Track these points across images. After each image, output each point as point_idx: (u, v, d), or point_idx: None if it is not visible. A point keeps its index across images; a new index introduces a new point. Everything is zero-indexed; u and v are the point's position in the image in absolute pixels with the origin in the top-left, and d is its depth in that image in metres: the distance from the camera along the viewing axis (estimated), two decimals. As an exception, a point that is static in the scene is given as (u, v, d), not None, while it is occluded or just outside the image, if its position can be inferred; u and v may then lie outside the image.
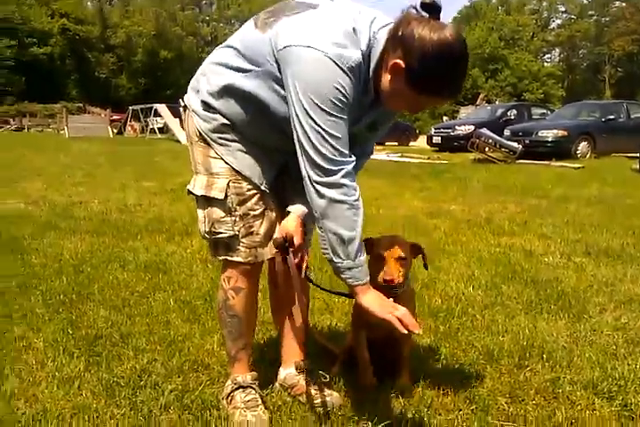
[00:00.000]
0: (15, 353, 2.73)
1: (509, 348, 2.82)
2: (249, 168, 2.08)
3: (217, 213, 2.12)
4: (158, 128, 29.90)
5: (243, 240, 2.12)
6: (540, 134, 15.99)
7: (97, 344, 2.85)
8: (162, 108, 27.43)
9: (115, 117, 35.25)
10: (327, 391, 2.32)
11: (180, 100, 2.20)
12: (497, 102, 37.66)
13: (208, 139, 2.08)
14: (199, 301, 3.51)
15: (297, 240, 2.13)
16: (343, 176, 1.88)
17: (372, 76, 1.90)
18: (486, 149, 15.21)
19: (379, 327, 2.15)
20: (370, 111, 2.05)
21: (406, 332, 1.88)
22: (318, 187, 1.88)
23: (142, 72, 63.15)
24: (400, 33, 1.80)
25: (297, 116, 1.85)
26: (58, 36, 57.94)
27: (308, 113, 1.82)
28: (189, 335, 2.98)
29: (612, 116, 16.71)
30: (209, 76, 2.08)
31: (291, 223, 2.14)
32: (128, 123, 33.04)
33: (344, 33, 1.82)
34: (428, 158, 16.60)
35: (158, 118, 29.53)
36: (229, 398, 2.24)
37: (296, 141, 1.89)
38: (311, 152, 1.86)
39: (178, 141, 22.64)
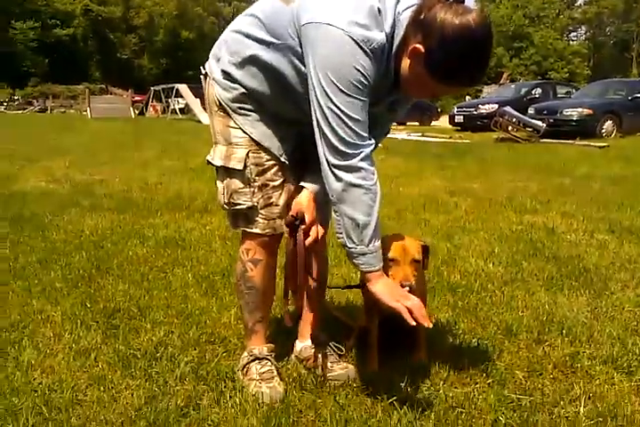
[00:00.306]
0: (33, 326, 2.75)
1: (528, 323, 2.79)
2: (268, 139, 2.06)
3: (236, 183, 2.10)
4: (180, 109, 29.94)
5: (261, 211, 2.10)
6: (564, 113, 15.71)
7: (115, 317, 2.87)
8: (183, 88, 27.45)
9: (137, 98, 35.40)
10: (342, 364, 2.31)
11: (201, 67, 2.16)
12: (521, 81, 37.01)
13: (227, 108, 2.06)
14: (217, 276, 3.51)
15: (308, 218, 2.08)
16: (361, 160, 1.85)
17: (393, 60, 1.85)
18: (509, 127, 15.01)
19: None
20: (390, 94, 2.01)
21: (414, 324, 1.87)
22: (336, 171, 1.86)
23: (164, 52, 63.22)
24: (422, 16, 1.74)
25: (316, 97, 1.82)
26: (80, 18, 58.12)
27: (327, 94, 1.79)
28: (207, 309, 2.99)
29: (638, 95, 16.32)
30: (229, 45, 2.03)
31: (303, 199, 2.10)
32: (150, 103, 33.12)
33: (369, 12, 1.76)
34: (450, 138, 16.44)
35: (180, 99, 29.55)
36: (245, 369, 2.24)
37: (314, 123, 1.86)
38: (329, 135, 1.83)
39: (199, 122, 22.66)
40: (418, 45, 1.75)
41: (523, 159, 10.26)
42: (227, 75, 2.03)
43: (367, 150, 1.87)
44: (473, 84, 1.86)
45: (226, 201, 2.14)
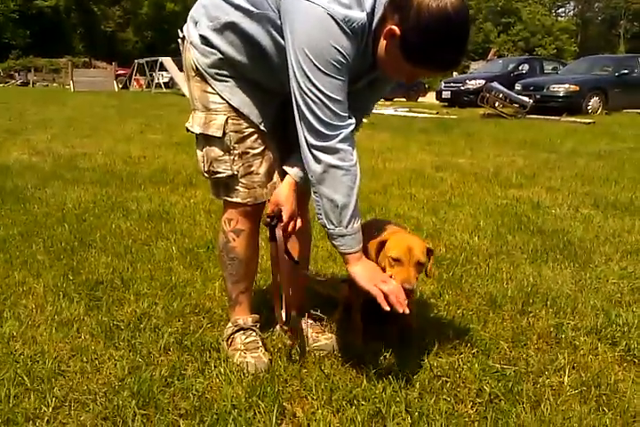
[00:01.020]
0: (14, 297, 2.72)
1: (513, 295, 2.80)
2: (247, 106, 2.01)
3: (215, 151, 2.06)
4: (164, 82, 29.59)
5: (242, 180, 2.07)
6: (551, 89, 15.70)
7: (97, 289, 2.84)
8: (167, 61, 27.02)
9: (120, 72, 34.88)
10: (327, 334, 2.31)
11: (179, 30, 2.10)
12: (509, 57, 36.88)
13: (205, 74, 2.01)
14: (202, 249, 3.48)
15: (287, 211, 2.04)
16: (341, 141, 1.82)
17: (371, 39, 1.81)
18: (496, 103, 14.99)
19: None
20: (369, 73, 1.98)
21: (388, 309, 1.84)
22: (315, 152, 1.83)
23: (148, 25, 62.16)
24: None
25: (295, 75, 1.78)
26: (63, -12, 56.92)
27: (305, 73, 1.75)
28: (191, 281, 2.96)
29: (625, 71, 16.32)
30: (208, 9, 1.97)
31: (282, 191, 2.04)
32: (133, 77, 32.68)
33: None
34: (437, 113, 16.39)
35: (164, 73, 29.16)
36: (230, 340, 2.23)
37: (294, 103, 1.82)
38: (308, 115, 1.79)
39: (184, 95, 22.38)
40: (394, 27, 1.71)
41: (509, 135, 10.25)
42: (205, 39, 1.98)
43: (346, 131, 1.84)
44: (449, 69, 1.82)
45: (206, 169, 2.10)
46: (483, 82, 17.70)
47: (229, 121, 2.02)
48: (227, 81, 2.00)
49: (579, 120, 13.18)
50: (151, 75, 30.64)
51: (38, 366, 2.08)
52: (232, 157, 2.05)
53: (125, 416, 1.79)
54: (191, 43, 2.02)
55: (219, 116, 2.02)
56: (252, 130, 2.03)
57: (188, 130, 2.12)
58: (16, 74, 41.20)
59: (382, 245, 2.06)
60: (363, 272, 1.94)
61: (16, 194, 4.86)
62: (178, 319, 2.51)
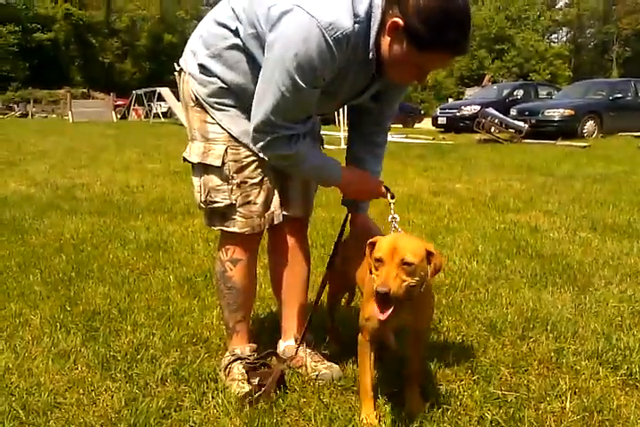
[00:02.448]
0: (11, 329, 2.70)
1: (513, 320, 2.78)
2: (247, 135, 2.00)
3: (214, 180, 2.06)
4: (162, 112, 29.78)
5: (239, 210, 2.07)
6: (546, 114, 15.81)
7: (95, 320, 2.82)
8: (165, 91, 27.24)
9: (119, 102, 35.14)
10: (326, 363, 2.28)
11: (175, 64, 2.13)
12: (503, 82, 37.25)
13: (204, 104, 2.02)
14: (200, 277, 3.47)
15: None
16: (301, 134, 1.90)
17: (374, 44, 1.80)
18: (492, 128, 15.09)
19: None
20: (373, 84, 1.98)
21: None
22: (255, 134, 1.89)
23: (146, 56, 62.73)
24: None
25: (265, 71, 1.79)
26: (62, 22, 57.56)
27: (274, 74, 1.75)
28: (189, 310, 2.95)
29: (619, 95, 16.46)
30: (205, 38, 2.00)
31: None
32: (132, 107, 32.91)
33: None
34: (434, 139, 16.48)
35: (162, 103, 29.37)
36: (227, 370, 2.21)
37: (256, 93, 1.84)
38: (263, 106, 1.82)
39: (182, 125, 22.52)
40: (396, 19, 1.71)
41: (505, 159, 10.29)
42: (203, 68, 2.00)
43: (295, 131, 1.88)
44: (458, 51, 1.78)
45: (203, 199, 2.10)
46: (478, 108, 17.85)
47: (229, 150, 2.03)
48: (227, 110, 2.02)
49: (574, 144, 13.25)
50: (149, 105, 30.85)
51: (34, 399, 2.06)
52: (230, 187, 2.05)
53: (122, 449, 1.76)
54: (190, 74, 2.04)
55: (218, 145, 2.03)
56: (251, 159, 2.04)
57: (185, 159, 2.13)
58: (15, 105, 41.41)
59: (373, 246, 1.83)
60: (353, 184, 2.13)
61: (14, 225, 4.86)
62: (175, 349, 2.49)
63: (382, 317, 1.70)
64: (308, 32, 1.67)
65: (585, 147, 12.68)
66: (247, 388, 2.10)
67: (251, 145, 1.96)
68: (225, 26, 1.93)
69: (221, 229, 2.15)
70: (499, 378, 2.22)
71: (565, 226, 4.90)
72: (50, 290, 3.24)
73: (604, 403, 2.03)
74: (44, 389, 2.13)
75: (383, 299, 1.69)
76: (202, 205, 2.12)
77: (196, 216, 5.20)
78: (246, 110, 1.99)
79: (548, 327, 2.71)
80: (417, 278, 1.72)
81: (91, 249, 4.15)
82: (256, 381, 2.08)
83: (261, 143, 1.88)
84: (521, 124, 14.89)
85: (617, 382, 2.21)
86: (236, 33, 1.91)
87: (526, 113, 16.24)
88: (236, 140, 2.03)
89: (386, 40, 1.79)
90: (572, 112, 15.58)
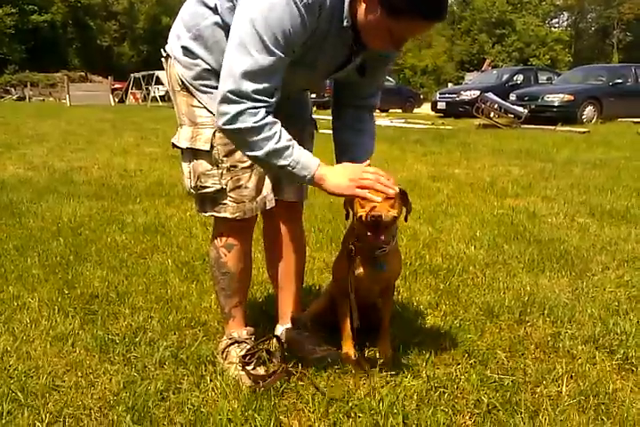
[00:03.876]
0: (9, 312, 2.70)
1: (510, 304, 2.79)
2: None
3: (203, 165, 2.04)
4: (160, 96, 29.57)
5: (230, 194, 2.05)
6: (545, 99, 15.77)
7: (93, 303, 2.83)
8: (163, 75, 27.02)
9: (116, 86, 34.94)
10: (324, 347, 2.29)
11: (162, 50, 2.10)
12: (503, 67, 37.09)
13: (190, 87, 2.00)
14: (198, 261, 3.47)
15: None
16: (245, 109, 1.73)
17: (348, 11, 1.76)
18: (491, 114, 15.03)
19: (361, 298, 2.14)
20: (355, 55, 1.95)
21: (393, 191, 1.84)
22: (223, 104, 1.75)
23: (144, 39, 62.32)
24: None
25: (234, 34, 1.73)
26: (59, 4, 57.03)
27: (244, 37, 1.69)
28: (187, 294, 2.95)
29: (619, 80, 16.39)
30: (186, 20, 2.00)
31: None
32: (130, 91, 32.75)
33: None
34: (433, 124, 16.43)
35: (160, 86, 29.18)
36: (225, 353, 2.21)
37: (225, 58, 1.75)
38: (235, 73, 1.71)
39: (180, 109, 22.41)
40: None
41: (504, 145, 10.27)
42: (187, 50, 1.98)
43: (252, 104, 1.74)
44: (433, 18, 1.74)
45: (193, 185, 2.07)
46: (477, 92, 17.75)
47: (217, 134, 1.99)
48: (212, 93, 1.96)
49: (574, 129, 13.22)
50: (147, 88, 30.68)
51: (32, 382, 2.06)
52: (220, 171, 2.03)
53: (120, 431, 1.77)
54: (175, 58, 2.02)
55: (206, 129, 2.01)
56: None
57: (174, 145, 2.11)
58: (12, 89, 41.23)
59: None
60: (335, 179, 1.83)
61: (11, 208, 4.85)
62: (173, 333, 2.49)
63: (377, 239, 1.95)
64: (279, 1, 1.65)
65: (584, 132, 12.65)
66: (262, 371, 2.11)
67: (219, 122, 1.81)
68: (204, 3, 1.92)
69: (213, 215, 2.12)
70: (495, 362, 2.23)
71: (564, 211, 4.90)
72: (48, 273, 3.24)
73: (599, 387, 2.04)
74: (42, 371, 2.13)
75: (375, 224, 1.92)
76: (192, 190, 2.10)
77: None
78: None
79: (545, 312, 2.72)
80: (396, 211, 1.96)
81: (88, 233, 4.15)
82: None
83: (227, 116, 1.74)
84: (520, 109, 14.83)
85: (613, 366, 2.22)
86: (214, 10, 1.89)
87: (526, 98, 16.18)
88: None
89: (361, 7, 1.76)
90: (572, 97, 15.53)
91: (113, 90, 32.94)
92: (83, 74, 47.61)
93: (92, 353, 2.30)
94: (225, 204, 2.06)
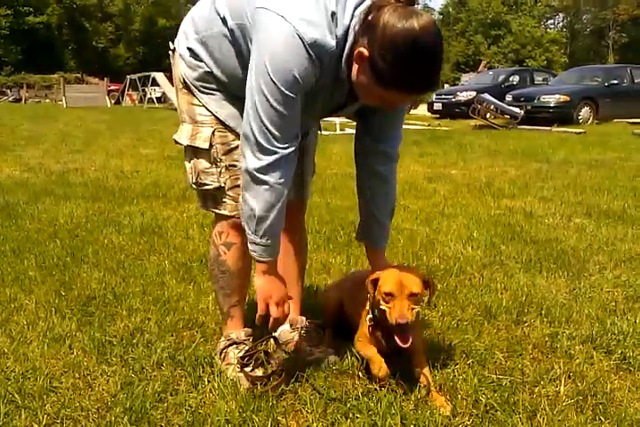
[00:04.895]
0: (6, 314, 2.69)
1: (507, 305, 2.79)
2: (234, 119, 2.00)
3: (202, 163, 2.06)
4: (156, 97, 29.62)
5: (229, 193, 2.06)
6: (541, 100, 15.77)
7: (90, 305, 2.82)
8: (160, 76, 27.08)
9: (112, 87, 34.92)
10: (322, 348, 2.29)
11: (170, 42, 2.11)
12: (499, 68, 37.13)
13: (192, 87, 2.02)
14: (195, 263, 3.47)
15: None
16: (277, 159, 1.80)
17: (345, 65, 1.77)
18: (487, 114, 15.07)
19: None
20: (351, 101, 1.96)
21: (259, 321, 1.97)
22: (250, 155, 1.81)
23: (140, 41, 62.33)
24: (370, 17, 1.67)
25: (252, 86, 1.75)
26: (54, 5, 56.99)
27: (260, 87, 1.72)
28: (184, 295, 2.95)
29: (615, 81, 16.42)
30: (196, 22, 1.99)
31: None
32: (126, 92, 32.73)
33: (325, 15, 1.68)
34: (429, 125, 16.44)
35: (157, 88, 29.21)
36: (222, 354, 2.21)
37: (245, 108, 1.80)
38: (254, 125, 1.77)
39: (176, 110, 22.40)
40: (362, 49, 1.68)
41: (501, 146, 10.29)
42: (192, 52, 1.99)
43: (284, 152, 1.80)
44: (420, 92, 1.76)
45: (193, 181, 2.11)
46: (474, 93, 17.78)
47: (216, 133, 2.02)
48: (213, 94, 2.01)
49: (570, 130, 13.25)
50: (143, 90, 30.69)
51: (29, 383, 2.06)
52: (219, 170, 2.05)
53: (118, 433, 1.77)
54: (180, 55, 2.03)
55: (205, 128, 2.03)
56: (239, 142, 2.02)
57: (176, 142, 2.13)
58: (8, 90, 41.13)
59: (376, 282, 2.02)
60: (262, 285, 1.96)
61: (7, 210, 4.84)
62: (171, 334, 2.49)
63: (406, 344, 1.95)
64: (294, 48, 1.66)
65: (580, 133, 12.68)
66: (260, 372, 2.10)
67: (240, 153, 1.87)
68: (216, 10, 1.90)
69: (214, 212, 2.15)
70: (493, 362, 2.23)
71: (560, 212, 4.91)
72: (44, 275, 3.23)
73: (597, 387, 2.05)
74: (39, 373, 2.12)
75: (403, 328, 1.93)
76: (193, 186, 2.14)
77: (191, 201, 5.19)
78: (233, 96, 1.99)
79: (543, 312, 2.72)
80: (421, 304, 2.03)
81: (85, 234, 4.14)
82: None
83: (265, 162, 1.79)
84: (516, 110, 14.87)
85: (611, 366, 2.22)
86: (224, 21, 1.88)
87: (522, 99, 16.20)
88: (222, 123, 2.02)
89: (355, 66, 1.76)
90: (568, 98, 15.55)
91: (109, 91, 32.90)
92: (79, 75, 47.57)
93: (89, 355, 2.29)
94: (224, 202, 2.08)
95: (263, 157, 1.79)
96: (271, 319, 1.97)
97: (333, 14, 1.69)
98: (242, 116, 1.91)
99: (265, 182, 1.81)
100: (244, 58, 1.88)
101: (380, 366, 1.99)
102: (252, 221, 1.87)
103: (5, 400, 1.94)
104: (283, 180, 1.84)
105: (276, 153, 1.79)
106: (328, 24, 1.69)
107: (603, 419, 1.86)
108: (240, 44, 1.87)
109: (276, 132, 1.77)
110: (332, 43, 1.69)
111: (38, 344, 2.37)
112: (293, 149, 1.84)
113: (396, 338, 1.95)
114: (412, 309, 1.94)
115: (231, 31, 1.87)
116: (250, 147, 1.80)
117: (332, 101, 1.96)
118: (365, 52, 1.67)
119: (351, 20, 1.71)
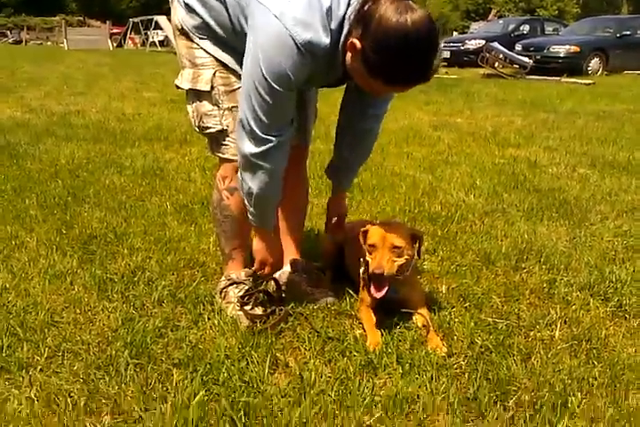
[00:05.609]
0: (7, 251, 2.71)
1: (507, 251, 2.80)
2: (234, 62, 1.98)
3: (205, 106, 2.06)
4: (159, 41, 29.06)
5: (231, 136, 2.05)
6: (551, 50, 15.46)
7: (91, 243, 2.83)
8: (162, 20, 26.46)
9: (115, 30, 34.21)
10: (321, 288, 2.31)
11: None
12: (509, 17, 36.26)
13: (190, 33, 2.00)
14: (196, 205, 3.47)
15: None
16: (271, 147, 1.84)
17: (341, 51, 1.76)
18: (496, 63, 14.78)
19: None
20: (346, 79, 1.95)
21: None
22: (249, 139, 1.84)
23: (143, -17, 60.72)
24: (365, 8, 1.66)
25: (246, 79, 1.78)
26: (55, -57, 55.31)
27: (254, 83, 1.74)
28: (185, 236, 2.96)
29: (627, 32, 16.05)
30: None
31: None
32: (128, 35, 32.12)
33: (319, 12, 1.67)
34: (436, 73, 16.15)
35: (159, 31, 28.65)
36: (223, 293, 2.23)
37: (240, 96, 1.83)
38: (249, 113, 1.80)
39: (180, 55, 22.00)
40: (355, 40, 1.67)
41: (508, 95, 10.13)
42: (187, 6, 1.98)
43: (280, 139, 1.85)
44: (408, 87, 1.75)
45: (196, 124, 2.11)
46: (483, 42, 17.38)
47: (217, 75, 2.01)
48: (211, 40, 2.00)
49: (579, 81, 13.02)
50: (146, 33, 30.09)
51: (31, 317, 2.08)
52: (221, 112, 2.04)
53: (118, 366, 1.80)
54: (178, 2, 1.99)
55: (206, 70, 2.02)
56: (240, 84, 1.99)
57: (177, 87, 2.12)
58: (8, 32, 40.38)
59: (365, 234, 2.09)
60: (261, 250, 2.11)
61: (9, 150, 4.81)
62: (172, 273, 2.51)
63: (378, 295, 2.00)
64: (284, 47, 1.68)
65: (589, 84, 12.46)
66: (259, 311, 2.13)
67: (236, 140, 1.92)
68: None
69: (217, 156, 2.14)
70: (490, 306, 2.25)
71: (565, 162, 4.87)
72: (46, 214, 3.24)
73: (592, 332, 2.06)
74: (40, 308, 2.15)
75: (378, 279, 1.98)
76: (197, 129, 2.14)
77: (193, 145, 5.16)
78: (228, 46, 1.98)
79: (542, 259, 2.73)
80: (406, 257, 2.03)
81: (87, 175, 4.13)
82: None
83: (261, 149, 1.84)
84: (525, 59, 14.57)
85: (607, 313, 2.24)
86: None
87: (531, 49, 15.87)
88: (223, 64, 2.00)
89: (348, 54, 1.75)
90: (578, 49, 15.23)
91: (111, 35, 32.22)
92: (80, 18, 46.60)
93: (90, 291, 2.32)
94: (227, 145, 2.07)
95: (258, 145, 1.84)
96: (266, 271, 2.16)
97: (328, 10, 1.69)
98: (242, 61, 1.88)
99: (260, 166, 1.88)
100: (229, 24, 1.90)
101: (374, 340, 1.96)
102: (250, 197, 1.96)
103: (8, 333, 1.97)
104: (278, 163, 1.92)
105: (270, 142, 1.84)
106: (322, 21, 1.69)
107: (596, 363, 1.88)
108: (232, 13, 1.87)
109: (270, 122, 1.81)
110: (326, 41, 1.70)
111: (39, 280, 2.39)
112: (288, 135, 1.89)
113: (371, 286, 2.02)
114: (394, 261, 1.99)
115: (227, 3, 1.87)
116: (245, 132, 1.84)
117: (328, 78, 1.96)
118: (358, 44, 1.67)
119: (347, 9, 1.71)
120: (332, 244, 2.52)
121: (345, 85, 2.16)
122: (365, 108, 2.18)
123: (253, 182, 1.91)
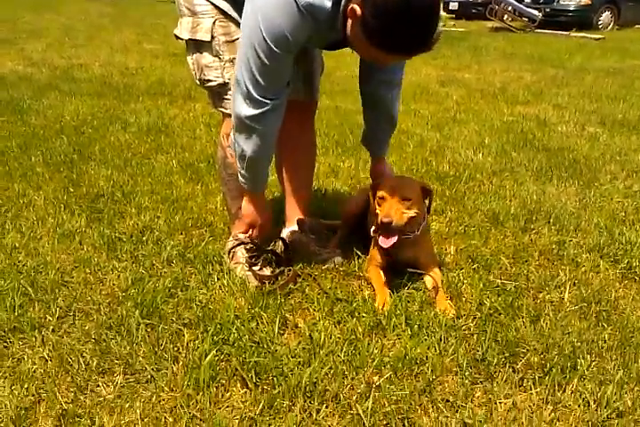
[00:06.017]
0: (15, 210, 2.70)
1: (516, 212, 2.78)
2: (235, 10, 1.93)
3: (205, 57, 2.02)
4: (161, -10, 28.42)
5: (232, 89, 2.00)
6: (561, 2, 15.04)
7: (98, 202, 2.83)
8: (164, -32, 25.87)
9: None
10: (329, 249, 2.31)
11: None
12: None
13: None
14: (202, 163, 3.44)
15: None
16: (267, 110, 1.83)
17: (341, 18, 1.71)
18: (505, 16, 14.48)
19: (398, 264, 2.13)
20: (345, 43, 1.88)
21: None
22: (245, 100, 1.83)
23: None
24: None
25: (244, 39, 1.75)
26: None
27: (251, 42, 1.71)
28: (192, 195, 2.95)
29: (641, -16, 15.63)
30: None
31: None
32: (129, -15, 31.38)
33: None
34: (444, 26, 15.81)
35: (161, -20, 27.97)
36: (231, 253, 2.23)
37: (238, 56, 1.80)
38: (246, 75, 1.77)
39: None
40: (355, 6, 1.61)
41: (517, 49, 9.94)
42: None
43: (275, 102, 1.83)
44: (409, 54, 1.70)
45: (197, 77, 2.08)
46: (492, -7, 16.98)
47: (217, 23, 1.96)
48: None
49: (588, 35, 12.75)
50: (147, -18, 29.38)
51: (42, 277, 2.09)
52: (222, 64, 2.00)
53: (130, 326, 1.81)
54: None
55: (206, 19, 1.97)
56: (240, 34, 1.94)
57: (177, 37, 2.07)
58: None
59: (375, 189, 2.09)
60: (250, 214, 2.12)
61: (12, 105, 4.76)
62: (180, 232, 2.51)
63: (386, 244, 1.98)
64: (285, 8, 1.65)
65: (599, 39, 12.21)
66: (268, 271, 2.14)
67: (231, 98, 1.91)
68: None
69: (221, 111, 2.11)
70: (499, 268, 2.25)
71: (574, 120, 4.81)
72: (52, 171, 3.22)
73: (602, 294, 2.07)
74: (50, 267, 2.16)
75: (387, 228, 1.97)
76: (198, 83, 2.11)
77: (197, 100, 5.10)
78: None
79: (551, 220, 2.71)
80: (415, 211, 2.01)
81: (92, 131, 4.10)
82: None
83: (256, 111, 1.82)
84: (535, 12, 14.24)
85: (616, 275, 2.24)
86: None
87: (541, 1, 15.43)
88: (223, 13, 1.95)
89: (348, 21, 1.70)
90: (589, 2, 14.81)
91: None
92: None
93: (99, 251, 2.32)
94: (229, 99, 2.02)
95: (254, 107, 1.82)
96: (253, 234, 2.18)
97: None
98: (240, 9, 1.84)
99: (255, 129, 1.86)
100: None
101: (383, 299, 1.97)
102: (243, 160, 1.95)
103: (19, 293, 1.98)
104: (272, 127, 1.91)
105: (266, 104, 1.82)
106: None
107: (605, 325, 1.89)
108: None
109: (267, 84, 1.78)
110: (328, 4, 1.66)
111: (48, 240, 2.40)
112: (283, 99, 1.87)
113: (379, 237, 2.01)
114: (403, 213, 1.98)
115: None
116: (241, 94, 1.81)
117: (328, 43, 1.92)
118: (358, 9, 1.62)
119: None
120: (355, 203, 2.49)
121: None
122: (372, 72, 2.13)
123: (247, 145, 1.90)
